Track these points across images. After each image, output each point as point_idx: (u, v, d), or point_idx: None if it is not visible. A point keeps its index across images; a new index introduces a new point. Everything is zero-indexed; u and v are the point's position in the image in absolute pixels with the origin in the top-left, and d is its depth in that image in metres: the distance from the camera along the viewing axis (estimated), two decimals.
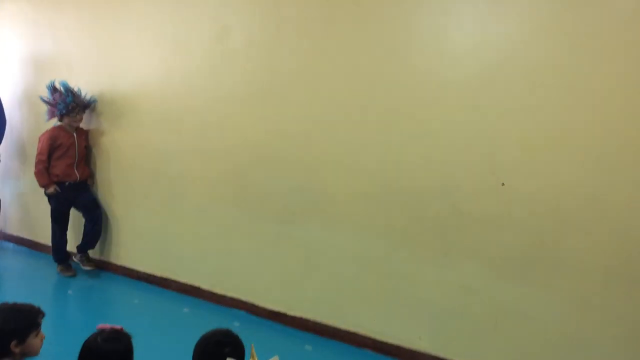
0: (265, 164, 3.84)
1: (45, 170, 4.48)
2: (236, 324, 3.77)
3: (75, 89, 4.47)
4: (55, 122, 4.55)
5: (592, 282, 2.89)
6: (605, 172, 2.78)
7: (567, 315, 2.97)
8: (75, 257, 4.74)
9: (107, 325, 2.06)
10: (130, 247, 4.69)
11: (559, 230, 2.93)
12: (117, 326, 2.06)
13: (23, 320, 2.14)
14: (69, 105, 4.39)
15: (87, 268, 4.67)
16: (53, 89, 4.45)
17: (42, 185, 4.51)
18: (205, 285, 4.28)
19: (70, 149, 4.51)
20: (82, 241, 4.71)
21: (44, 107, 4.54)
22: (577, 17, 2.76)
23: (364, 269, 3.55)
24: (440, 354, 3.34)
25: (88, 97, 4.54)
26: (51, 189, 4.49)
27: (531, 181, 2.96)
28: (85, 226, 4.69)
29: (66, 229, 4.72)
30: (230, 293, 4.15)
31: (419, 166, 3.27)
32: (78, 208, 4.69)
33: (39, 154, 4.47)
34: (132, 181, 4.57)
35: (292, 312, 3.87)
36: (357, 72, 3.40)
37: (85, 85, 4.54)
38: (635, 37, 2.64)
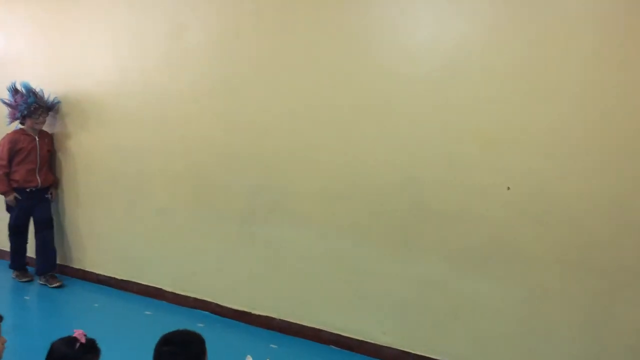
0: (226, 162, 3.81)
1: (5, 176, 4.28)
2: (200, 325, 3.73)
3: (38, 90, 4.33)
4: (17, 125, 4.40)
5: (547, 272, 2.97)
6: (557, 164, 2.87)
7: (525, 305, 3.05)
8: (40, 279, 4.49)
9: (82, 333, 2.01)
10: (89, 250, 4.60)
11: (515, 222, 3.01)
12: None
13: None
14: (30, 105, 4.23)
15: (55, 285, 4.44)
16: (14, 91, 4.29)
17: (1, 193, 4.35)
18: (167, 287, 4.23)
19: (32, 153, 4.32)
20: (38, 264, 4.51)
21: (3, 111, 4.39)
22: (532, 15, 2.84)
23: (328, 266, 3.57)
24: (404, 348, 3.39)
25: (51, 98, 4.40)
26: (11, 197, 4.32)
27: (488, 175, 3.03)
28: (36, 240, 4.52)
29: (26, 240, 4.54)
30: (194, 294, 4.11)
31: (380, 162, 3.31)
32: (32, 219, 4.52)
33: None
34: (89, 182, 4.47)
35: (256, 311, 3.86)
36: (317, 69, 3.41)
37: (37, 85, 4.42)
38: (587, 34, 2.74)
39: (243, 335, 3.72)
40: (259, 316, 3.84)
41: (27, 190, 4.36)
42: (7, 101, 4.32)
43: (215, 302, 4.01)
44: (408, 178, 3.24)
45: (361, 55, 3.28)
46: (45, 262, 4.51)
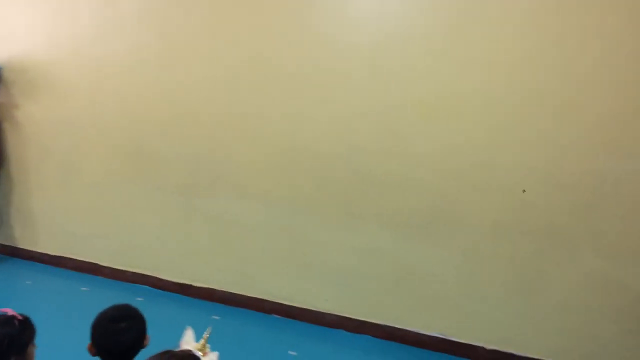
0: (165, 134, 3.70)
1: None
2: (139, 299, 3.67)
3: None
4: None
5: (483, 237, 3.08)
6: (493, 133, 2.95)
7: (463, 269, 3.16)
8: None
9: (12, 311, 1.94)
10: (20, 227, 4.40)
11: (454, 189, 3.09)
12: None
13: None
14: None
15: None
16: None
17: None
18: (104, 262, 4.11)
19: None
20: None
21: None
22: None
23: (270, 236, 3.56)
24: (346, 314, 3.45)
25: None
26: None
27: (429, 143, 3.09)
28: None
29: None
30: (132, 268, 4.02)
31: (323, 131, 3.30)
32: None
33: None
34: (20, 156, 4.25)
35: (198, 284, 3.82)
36: (258, 37, 3.33)
37: None
38: (522, 4, 2.80)
39: (184, 308, 3.69)
40: (200, 288, 3.81)
41: None
42: None
43: (155, 275, 3.94)
44: (350, 148, 3.25)
45: (303, 24, 3.22)
46: None
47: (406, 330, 3.33)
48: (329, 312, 3.49)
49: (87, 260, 4.17)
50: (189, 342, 1.91)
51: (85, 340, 1.94)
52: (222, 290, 3.75)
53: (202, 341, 1.98)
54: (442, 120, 3.04)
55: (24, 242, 4.40)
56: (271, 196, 3.50)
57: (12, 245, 4.44)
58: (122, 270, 4.05)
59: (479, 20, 2.87)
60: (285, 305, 3.59)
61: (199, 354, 1.83)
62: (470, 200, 3.07)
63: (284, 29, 3.27)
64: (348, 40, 3.15)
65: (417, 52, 3.02)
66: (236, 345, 3.22)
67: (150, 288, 3.94)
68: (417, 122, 3.09)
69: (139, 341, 1.98)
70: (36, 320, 2.01)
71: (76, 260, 4.21)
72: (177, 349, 1.82)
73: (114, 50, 3.73)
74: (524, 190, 2.95)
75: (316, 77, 3.25)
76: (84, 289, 3.92)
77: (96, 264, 4.13)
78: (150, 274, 3.96)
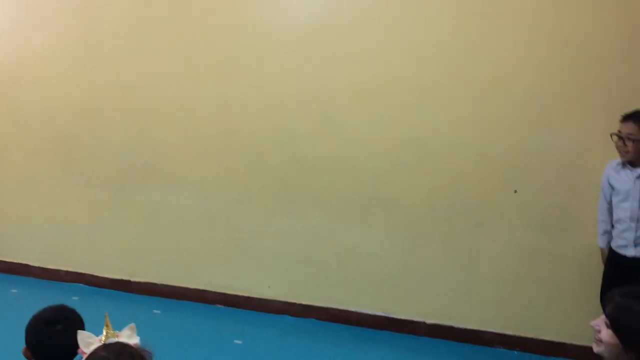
0: (93, 126, 3.57)
1: None
2: (75, 298, 3.53)
3: None
4: None
5: (419, 215, 3.16)
6: (423, 114, 3.03)
7: (402, 247, 3.23)
8: None
9: None
10: None
11: (389, 170, 3.15)
12: None
13: None
14: None
15: None
16: None
17: None
18: (34, 262, 3.93)
19: None
20: None
21: None
22: None
23: (210, 227, 3.51)
24: (290, 299, 3.46)
25: None
26: None
27: (363, 126, 3.12)
28: None
29: None
30: (65, 267, 3.87)
31: (256, 118, 3.27)
32: None
33: None
34: None
35: (136, 278, 3.72)
36: (187, 23, 3.26)
37: None
38: None
39: (123, 304, 3.59)
40: (139, 283, 3.71)
41: None
42: None
43: (90, 273, 3.80)
44: (285, 132, 3.24)
45: (234, 9, 3.18)
46: None
47: (349, 311, 3.38)
48: (272, 298, 3.48)
49: (15, 261, 3.98)
50: (91, 342, 1.79)
51: (19, 344, 1.85)
52: (162, 284, 3.67)
53: (105, 330, 1.87)
54: (374, 103, 3.08)
55: None
56: (206, 185, 3.45)
57: None
58: (54, 270, 3.88)
59: (407, 3, 2.92)
60: (228, 294, 3.55)
61: (115, 339, 1.73)
62: (404, 180, 3.14)
63: (214, 14, 3.21)
64: (279, 25, 3.13)
65: (347, 36, 3.05)
66: (181, 339, 3.17)
67: (85, 286, 3.80)
68: (349, 105, 3.12)
69: (77, 343, 1.91)
70: None
71: (4, 262, 4.01)
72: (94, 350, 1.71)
73: (31, 39, 3.55)
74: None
75: (248, 61, 3.23)
76: (14, 291, 3.74)
77: (25, 265, 3.95)
78: (84, 272, 3.82)
